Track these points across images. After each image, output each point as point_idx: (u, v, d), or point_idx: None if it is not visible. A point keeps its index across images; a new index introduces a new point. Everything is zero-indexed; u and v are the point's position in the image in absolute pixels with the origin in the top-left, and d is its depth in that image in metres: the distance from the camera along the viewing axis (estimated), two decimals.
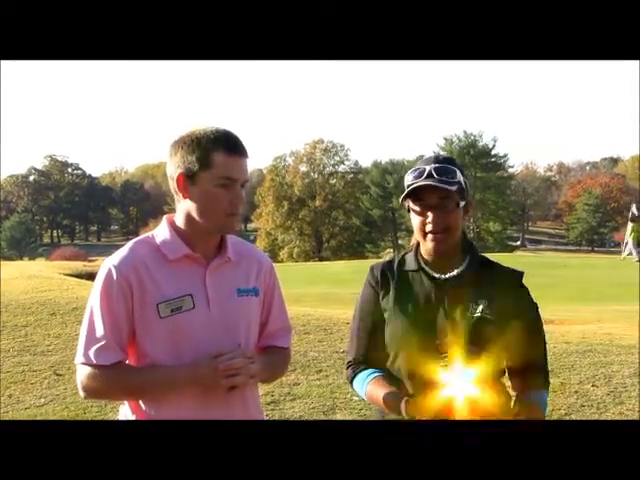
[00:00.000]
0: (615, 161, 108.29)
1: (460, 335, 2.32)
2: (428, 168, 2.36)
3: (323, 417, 5.67)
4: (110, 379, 2.21)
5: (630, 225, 28.21)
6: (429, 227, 2.36)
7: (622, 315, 11.45)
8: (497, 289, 2.40)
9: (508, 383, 2.53)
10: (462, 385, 2.20)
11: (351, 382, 2.57)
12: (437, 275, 2.44)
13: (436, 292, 2.42)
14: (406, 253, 2.56)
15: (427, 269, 2.46)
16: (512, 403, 2.48)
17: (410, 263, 2.50)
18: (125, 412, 2.34)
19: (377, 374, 2.47)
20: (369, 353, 2.52)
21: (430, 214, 2.36)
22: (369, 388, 2.46)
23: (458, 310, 2.38)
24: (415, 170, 2.40)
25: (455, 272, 2.44)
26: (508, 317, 2.38)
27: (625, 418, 5.68)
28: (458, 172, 2.37)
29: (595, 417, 5.67)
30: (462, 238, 2.47)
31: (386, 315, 2.47)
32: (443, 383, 2.22)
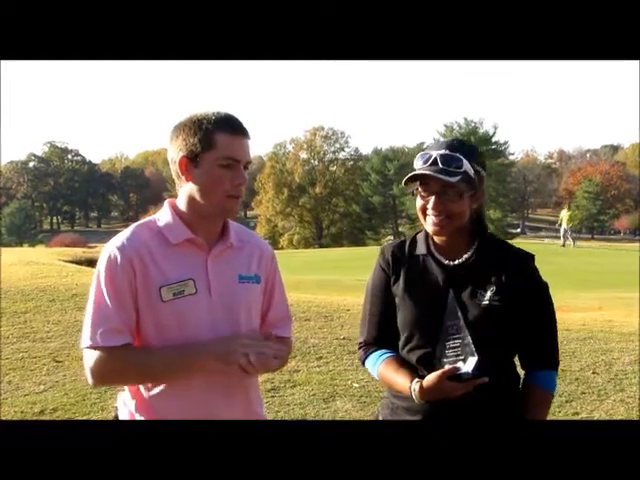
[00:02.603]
0: (615, 149, 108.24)
1: (469, 322, 2.33)
2: (435, 155, 2.35)
3: (323, 404, 5.68)
4: (122, 361, 2.16)
5: (564, 212, 28.77)
6: (429, 212, 2.37)
7: (623, 302, 11.47)
8: (506, 273, 2.40)
9: (517, 361, 2.54)
10: (470, 369, 2.24)
11: (363, 362, 2.63)
12: (446, 262, 2.45)
13: (445, 278, 2.42)
14: (417, 233, 2.56)
15: (436, 255, 2.47)
16: (521, 382, 2.51)
17: (420, 247, 2.50)
18: (124, 398, 2.32)
19: (389, 355, 2.51)
20: (380, 334, 2.56)
21: (432, 200, 2.36)
22: (381, 369, 2.50)
23: (467, 296, 2.39)
24: (424, 154, 2.39)
25: (464, 258, 2.44)
26: (517, 301, 2.39)
27: (625, 405, 5.69)
28: (465, 162, 2.34)
29: (596, 404, 5.68)
30: (472, 222, 2.45)
31: (397, 300, 2.49)
32: (452, 367, 2.26)
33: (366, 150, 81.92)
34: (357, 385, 6.12)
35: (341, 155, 73.11)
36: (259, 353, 2.14)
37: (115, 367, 2.17)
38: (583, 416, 5.46)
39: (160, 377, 2.23)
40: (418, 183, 2.40)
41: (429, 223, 2.38)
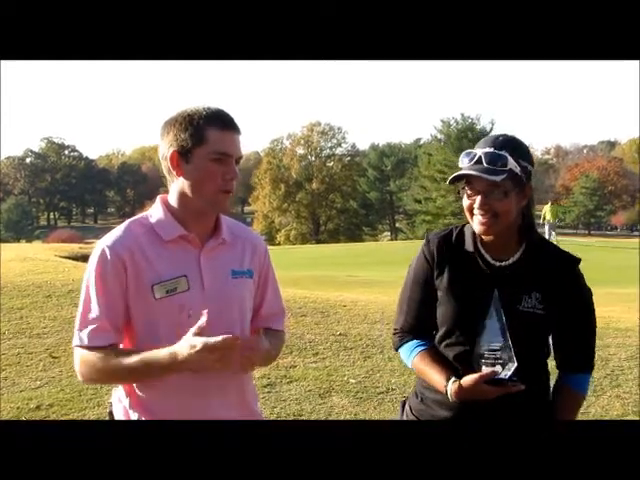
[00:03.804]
0: (612, 144, 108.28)
1: (510, 326, 2.32)
2: (479, 153, 2.32)
3: (319, 400, 5.68)
4: (105, 361, 2.16)
5: (547, 207, 28.35)
6: (476, 211, 2.34)
7: (619, 298, 11.50)
8: (553, 279, 2.40)
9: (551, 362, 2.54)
10: (509, 374, 2.26)
11: (397, 349, 2.61)
12: (493, 262, 2.43)
13: (491, 279, 2.40)
14: (464, 226, 2.52)
15: (484, 253, 2.44)
16: (553, 384, 2.53)
17: (468, 243, 2.47)
18: (119, 395, 2.31)
19: (424, 347, 2.50)
20: (417, 324, 2.54)
21: (478, 199, 2.33)
22: (416, 360, 2.49)
23: (511, 300, 2.37)
24: (469, 153, 2.37)
25: (511, 260, 2.42)
26: (561, 308, 2.40)
27: (621, 401, 5.70)
28: (510, 159, 2.30)
29: (592, 400, 5.68)
30: (521, 222, 2.42)
31: (439, 294, 2.47)
32: (491, 372, 2.27)
33: (363, 146, 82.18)
34: (353, 381, 6.12)
35: (338, 151, 73.15)
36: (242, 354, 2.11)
37: (98, 367, 2.17)
38: (579, 411, 5.46)
39: (144, 380, 2.23)
40: (464, 182, 2.37)
41: (476, 222, 2.35)
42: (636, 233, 69.46)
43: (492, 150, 2.32)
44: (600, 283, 14.48)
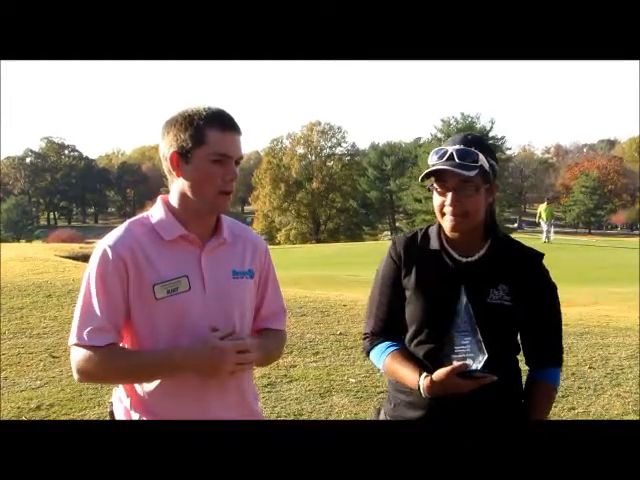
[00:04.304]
0: (612, 143, 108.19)
1: (479, 320, 2.33)
2: (450, 150, 2.35)
3: (319, 400, 5.68)
4: (104, 361, 2.16)
5: (542, 206, 28.09)
6: (447, 209, 2.36)
7: (619, 297, 11.49)
8: (519, 273, 2.42)
9: (521, 357, 2.56)
10: (480, 367, 2.26)
11: (367, 353, 2.61)
12: (459, 257, 2.45)
13: (457, 275, 2.42)
14: (429, 227, 2.55)
15: (450, 250, 2.46)
16: (525, 379, 2.54)
17: (433, 242, 2.49)
18: (120, 395, 2.31)
19: (395, 347, 2.50)
20: (387, 326, 2.54)
21: (449, 196, 2.35)
22: (387, 362, 2.49)
23: (478, 294, 2.39)
24: (439, 150, 2.39)
25: (476, 256, 2.45)
26: (527, 301, 2.42)
27: (622, 400, 5.71)
28: (481, 155, 2.34)
29: (592, 399, 5.69)
30: (486, 219, 2.45)
31: (407, 293, 2.48)
32: (463, 364, 2.27)
33: (363, 145, 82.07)
34: (353, 380, 6.12)
35: (338, 150, 72.94)
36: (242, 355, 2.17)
37: (97, 366, 2.17)
38: (579, 411, 5.47)
39: (143, 380, 2.23)
40: (434, 180, 2.40)
41: (447, 220, 2.37)
42: (636, 232, 69.40)
43: (462, 147, 2.35)
44: (600, 282, 14.52)
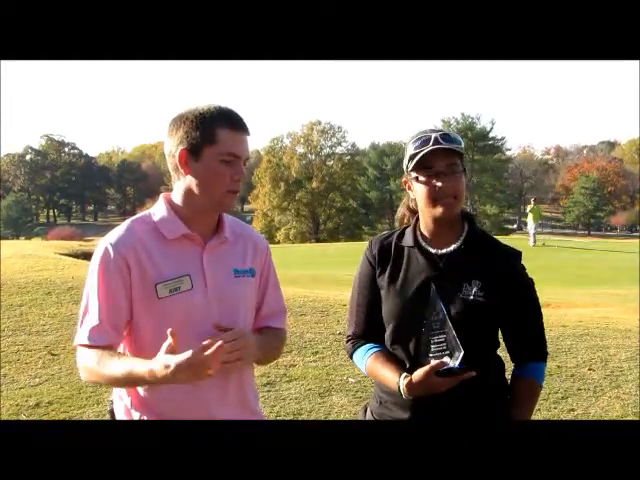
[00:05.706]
0: (612, 144, 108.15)
1: (452, 316, 2.31)
2: (433, 135, 2.35)
3: (319, 399, 5.68)
4: (99, 363, 2.13)
5: (529, 207, 27.24)
6: (440, 193, 2.34)
7: (619, 299, 11.48)
8: (493, 270, 2.40)
9: (504, 354, 2.55)
10: (457, 363, 2.23)
11: (351, 356, 2.60)
12: (433, 250, 2.44)
13: (431, 269, 2.41)
14: (406, 227, 2.55)
15: (424, 245, 2.45)
16: (510, 376, 2.53)
17: (407, 239, 2.49)
18: (120, 394, 2.31)
19: (376, 349, 2.49)
20: (368, 328, 2.54)
21: (440, 181, 2.33)
22: (369, 363, 2.48)
23: (452, 290, 2.37)
24: (419, 139, 2.38)
25: (452, 248, 2.43)
26: (503, 299, 2.39)
27: (621, 402, 5.70)
28: (459, 137, 2.39)
29: (592, 401, 5.69)
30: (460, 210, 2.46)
31: (382, 292, 2.47)
32: (440, 362, 2.24)
33: (363, 145, 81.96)
34: (353, 380, 6.12)
35: (338, 150, 73.00)
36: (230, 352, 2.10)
37: (95, 367, 2.15)
38: (579, 412, 5.47)
39: (131, 386, 2.21)
40: (414, 172, 2.38)
41: (440, 206, 2.35)
42: (636, 234, 69.42)
43: (442, 132, 2.38)
44: (600, 283, 14.52)
